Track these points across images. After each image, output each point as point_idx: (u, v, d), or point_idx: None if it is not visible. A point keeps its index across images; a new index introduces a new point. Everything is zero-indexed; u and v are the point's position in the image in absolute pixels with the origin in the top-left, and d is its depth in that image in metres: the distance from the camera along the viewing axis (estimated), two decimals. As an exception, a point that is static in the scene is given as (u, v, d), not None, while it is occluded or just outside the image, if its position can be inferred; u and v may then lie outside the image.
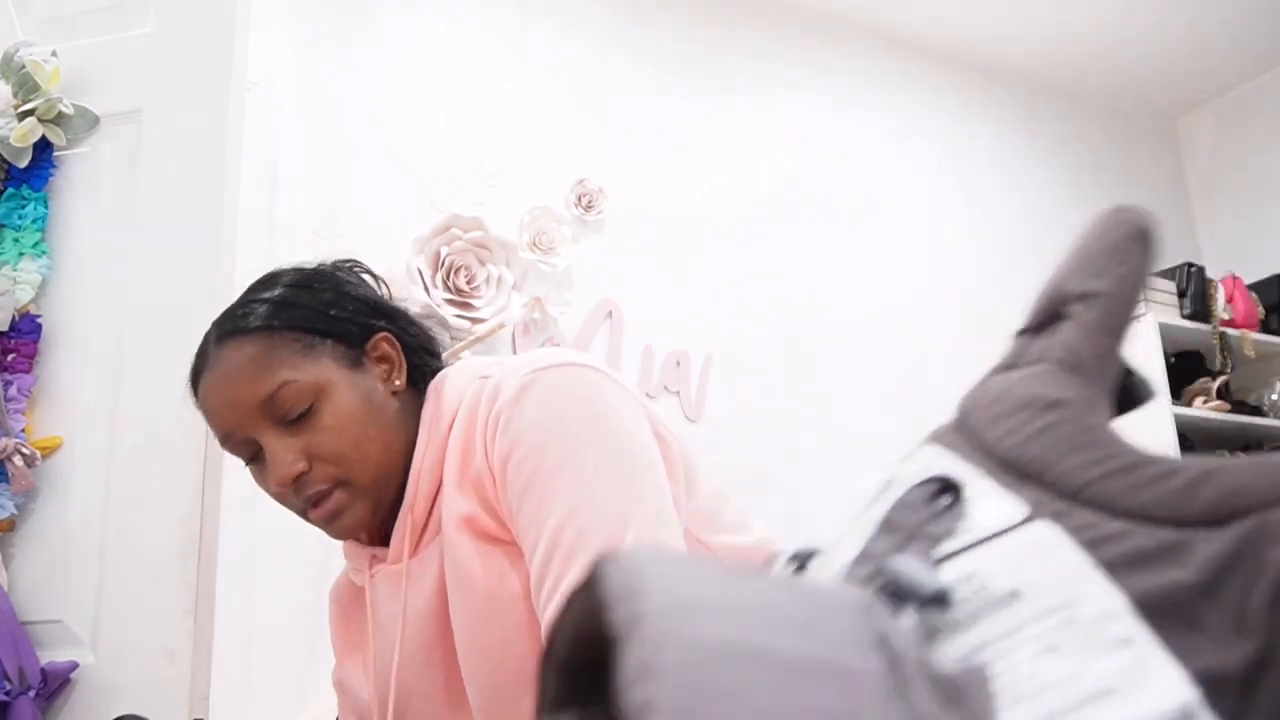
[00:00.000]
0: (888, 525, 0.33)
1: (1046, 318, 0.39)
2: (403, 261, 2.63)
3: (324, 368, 0.91)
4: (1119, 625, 0.27)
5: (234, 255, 1.89)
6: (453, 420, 0.91)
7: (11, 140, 1.83)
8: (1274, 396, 3.88)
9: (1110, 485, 0.30)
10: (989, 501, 0.32)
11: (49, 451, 1.76)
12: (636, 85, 3.29)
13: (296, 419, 0.89)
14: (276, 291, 0.94)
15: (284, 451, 0.89)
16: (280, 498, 0.94)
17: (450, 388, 0.94)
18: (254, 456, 0.93)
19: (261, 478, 0.94)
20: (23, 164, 1.86)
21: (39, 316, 1.82)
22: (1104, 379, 0.35)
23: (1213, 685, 0.25)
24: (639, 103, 3.27)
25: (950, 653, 0.28)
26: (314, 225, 2.65)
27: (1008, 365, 0.39)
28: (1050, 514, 0.30)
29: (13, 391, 1.76)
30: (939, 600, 0.29)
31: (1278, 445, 3.88)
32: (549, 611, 0.77)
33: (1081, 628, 0.27)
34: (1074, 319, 0.37)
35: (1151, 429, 3.44)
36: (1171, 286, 3.79)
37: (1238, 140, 4.33)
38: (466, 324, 2.61)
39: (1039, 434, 0.33)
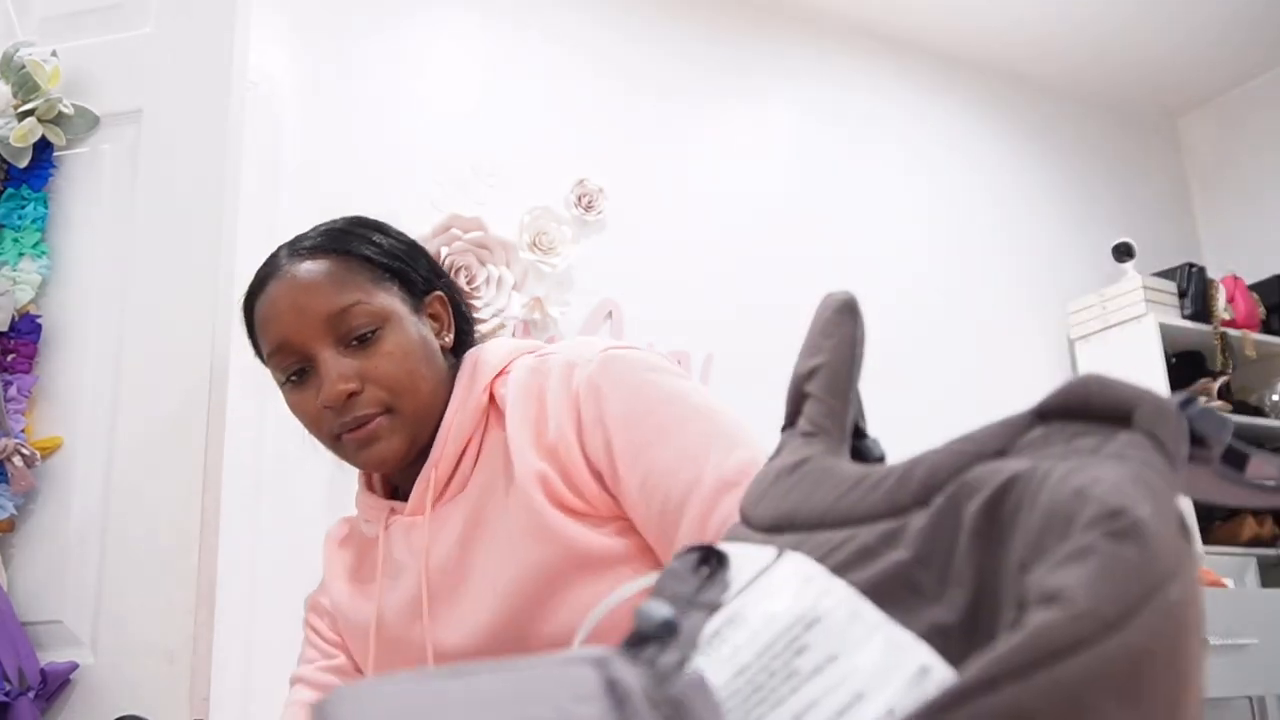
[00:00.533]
0: (660, 595, 0.36)
1: (793, 408, 0.43)
2: (403, 261, 2.63)
3: (391, 299, 0.95)
4: (853, 611, 0.30)
5: (234, 255, 1.89)
6: (489, 387, 0.94)
7: (11, 140, 1.83)
8: (1275, 397, 3.88)
9: (841, 504, 0.34)
10: (747, 559, 0.35)
11: (49, 452, 1.76)
12: (636, 86, 3.28)
13: (357, 340, 0.92)
14: (354, 227, 1.01)
15: (340, 369, 0.91)
16: (316, 419, 0.95)
17: (489, 356, 0.97)
18: (298, 374, 0.95)
19: (298, 397, 0.96)
20: (22, 164, 1.85)
21: (39, 316, 1.81)
22: (838, 432, 0.40)
23: (941, 637, 0.28)
24: (639, 103, 3.27)
25: (696, 674, 0.31)
26: (315, 225, 2.65)
27: (772, 456, 0.43)
28: (793, 545, 0.34)
29: (12, 392, 1.76)
30: (669, 629, 0.32)
31: (1278, 445, 3.88)
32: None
33: (825, 625, 0.30)
34: (809, 395, 0.42)
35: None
36: (1172, 287, 3.79)
37: (1238, 140, 4.33)
38: (467, 324, 2.61)
39: (790, 490, 0.38)
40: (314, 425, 0.95)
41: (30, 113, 1.85)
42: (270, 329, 0.95)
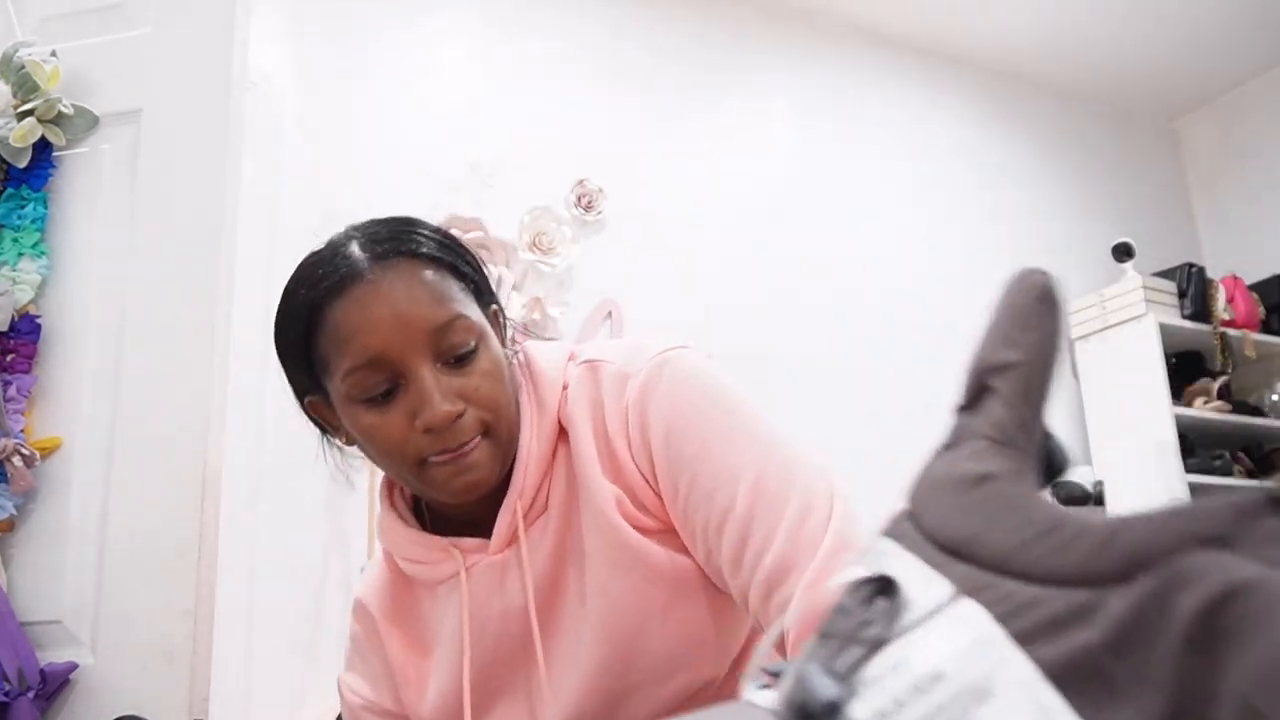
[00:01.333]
0: (825, 635, 0.33)
1: (975, 393, 0.40)
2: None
3: (479, 315, 0.87)
4: (1033, 696, 0.27)
5: (234, 255, 1.89)
6: (559, 409, 0.89)
7: (11, 140, 1.83)
8: (1274, 397, 3.88)
9: (1029, 553, 0.31)
10: (920, 588, 0.33)
11: (49, 451, 1.76)
12: (636, 86, 3.28)
13: (455, 359, 0.84)
14: (434, 232, 0.91)
15: (443, 390, 0.83)
16: (402, 443, 0.84)
17: (547, 372, 0.91)
18: (387, 392, 0.84)
19: (381, 419, 0.84)
20: (22, 164, 1.85)
21: (38, 317, 1.81)
22: (1029, 447, 0.36)
23: None
24: (639, 103, 3.27)
25: None
26: (314, 225, 2.65)
27: (948, 445, 0.39)
28: (972, 590, 0.31)
29: (12, 392, 1.76)
30: (831, 711, 0.30)
31: (1278, 446, 3.88)
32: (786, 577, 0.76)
33: (999, 704, 0.27)
34: (997, 392, 0.38)
35: (1153, 430, 3.44)
36: (1172, 287, 3.79)
37: (1237, 140, 4.33)
38: (466, 324, 2.61)
39: (968, 511, 0.34)
40: (398, 448, 0.84)
41: (30, 113, 1.85)
42: (359, 340, 0.82)
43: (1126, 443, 3.27)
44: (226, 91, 1.89)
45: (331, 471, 2.61)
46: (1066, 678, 0.27)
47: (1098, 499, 3.47)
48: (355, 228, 0.92)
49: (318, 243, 0.95)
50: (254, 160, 2.40)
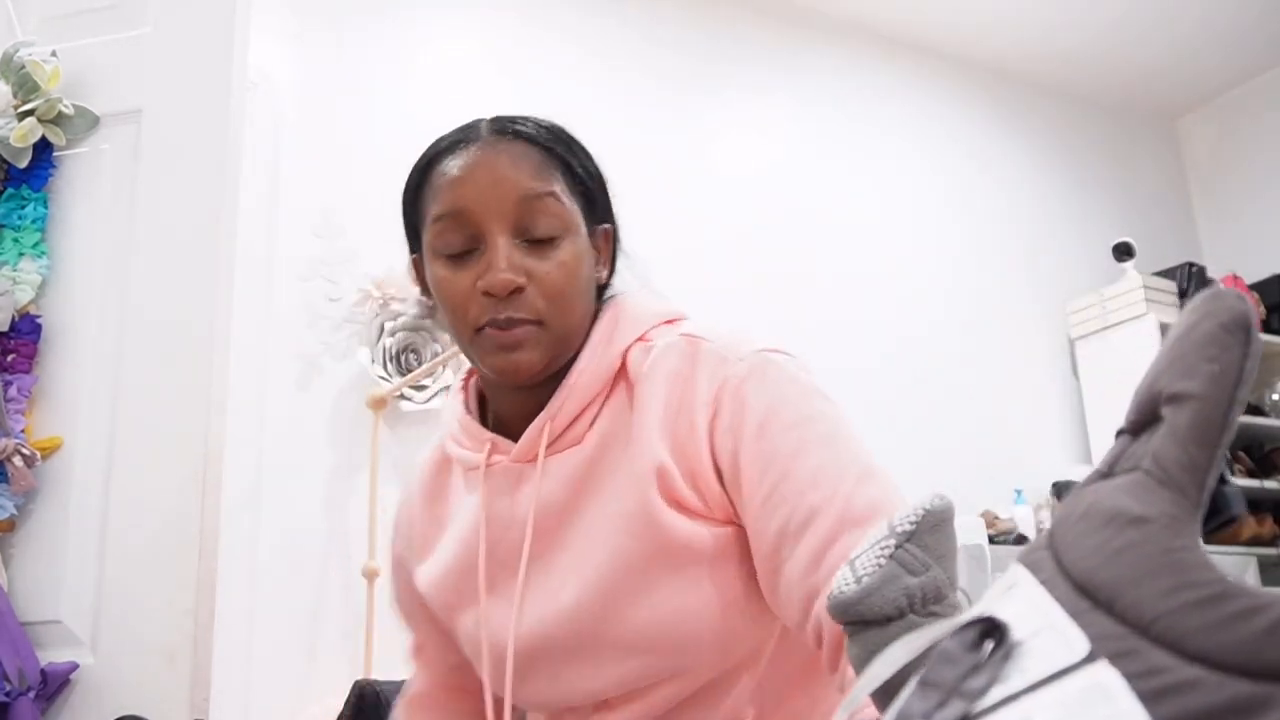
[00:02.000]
0: (925, 683, 0.30)
1: (1144, 418, 0.35)
2: (403, 261, 2.62)
3: (575, 215, 0.90)
4: None
5: (234, 255, 1.89)
6: (625, 352, 0.90)
7: (11, 140, 1.83)
8: (1275, 396, 3.88)
9: (1184, 621, 0.26)
10: (1049, 638, 0.29)
11: (49, 452, 1.76)
12: (637, 85, 3.29)
13: (536, 240, 0.87)
14: (565, 132, 0.94)
15: (512, 261, 0.85)
16: (465, 303, 0.87)
17: (632, 313, 0.93)
18: (465, 252, 0.87)
19: (452, 274, 0.88)
20: (22, 164, 1.85)
21: (39, 317, 1.81)
22: (1195, 493, 0.31)
23: None
24: (639, 103, 3.27)
25: None
26: (314, 224, 2.65)
27: (1104, 472, 0.35)
28: (1112, 653, 0.27)
29: (13, 392, 1.76)
30: None
31: (1278, 445, 3.88)
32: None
33: None
34: (1166, 424, 0.33)
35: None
36: (1172, 286, 3.79)
37: (1237, 140, 4.33)
38: (467, 324, 2.61)
39: (1116, 555, 0.30)
40: (460, 308, 0.87)
41: (30, 113, 1.85)
42: (453, 192, 0.88)
43: (1127, 442, 3.26)
44: (227, 91, 1.89)
45: (330, 468, 2.60)
46: None
47: (1098, 499, 3.46)
48: (510, 114, 0.95)
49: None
50: (254, 160, 2.40)
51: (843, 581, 0.66)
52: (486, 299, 0.85)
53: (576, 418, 0.89)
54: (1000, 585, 0.33)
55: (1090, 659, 0.27)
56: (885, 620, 0.63)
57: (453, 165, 0.89)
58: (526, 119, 0.93)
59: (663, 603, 0.84)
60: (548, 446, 0.89)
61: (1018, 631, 0.30)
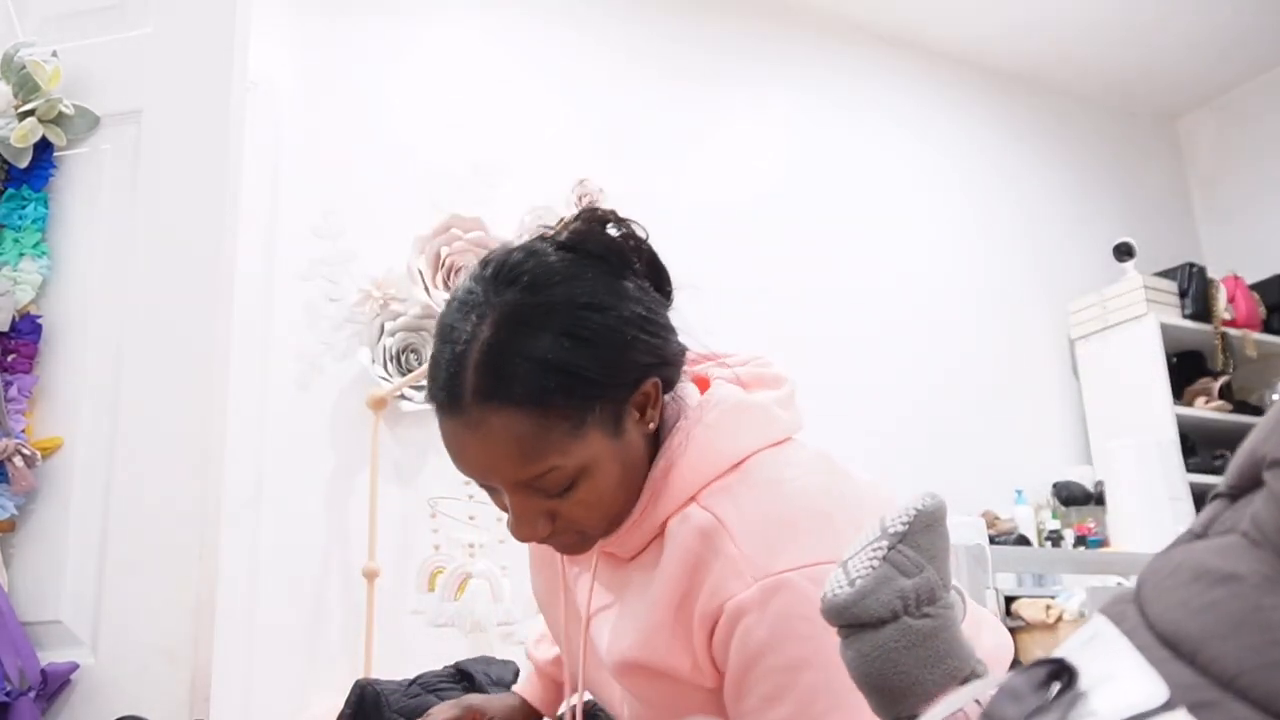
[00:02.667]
0: (989, 717, 0.30)
1: (1244, 482, 0.34)
2: (403, 262, 2.63)
3: (591, 444, 0.82)
4: None
5: (234, 255, 1.89)
6: (667, 519, 0.87)
7: (12, 140, 1.83)
8: (1275, 396, 3.87)
9: (1271, 678, 0.26)
10: (1126, 683, 0.28)
11: (49, 452, 1.76)
12: (637, 85, 3.28)
13: (555, 494, 0.84)
14: (554, 351, 0.81)
15: (531, 514, 0.85)
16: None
17: (676, 486, 0.87)
18: (497, 490, 0.87)
19: (494, 499, 0.88)
20: (23, 164, 1.86)
21: (39, 317, 1.81)
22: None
23: None
24: (640, 103, 3.27)
25: None
26: (314, 225, 2.65)
27: (1197, 533, 0.34)
28: (1193, 702, 0.26)
29: (13, 392, 1.76)
30: None
31: (1279, 445, 3.87)
32: None
33: None
34: (1267, 488, 0.32)
35: (1154, 430, 3.44)
36: (1173, 286, 3.79)
37: (1238, 140, 4.33)
38: (467, 324, 2.61)
39: (1204, 610, 0.29)
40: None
41: (31, 113, 1.85)
42: (453, 459, 0.84)
43: (1127, 442, 3.26)
44: (227, 91, 1.89)
45: (331, 468, 2.60)
46: None
47: (1098, 499, 3.47)
48: (480, 310, 0.83)
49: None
50: (254, 160, 2.40)
51: (836, 584, 0.66)
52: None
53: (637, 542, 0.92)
54: (1081, 634, 0.33)
55: (1168, 706, 0.27)
56: (879, 623, 0.63)
57: (448, 439, 0.84)
58: (508, 359, 0.81)
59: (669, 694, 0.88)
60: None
61: (1090, 676, 0.30)
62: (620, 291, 0.86)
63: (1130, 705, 0.28)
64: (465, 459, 0.83)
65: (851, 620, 0.64)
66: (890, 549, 0.65)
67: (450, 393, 0.82)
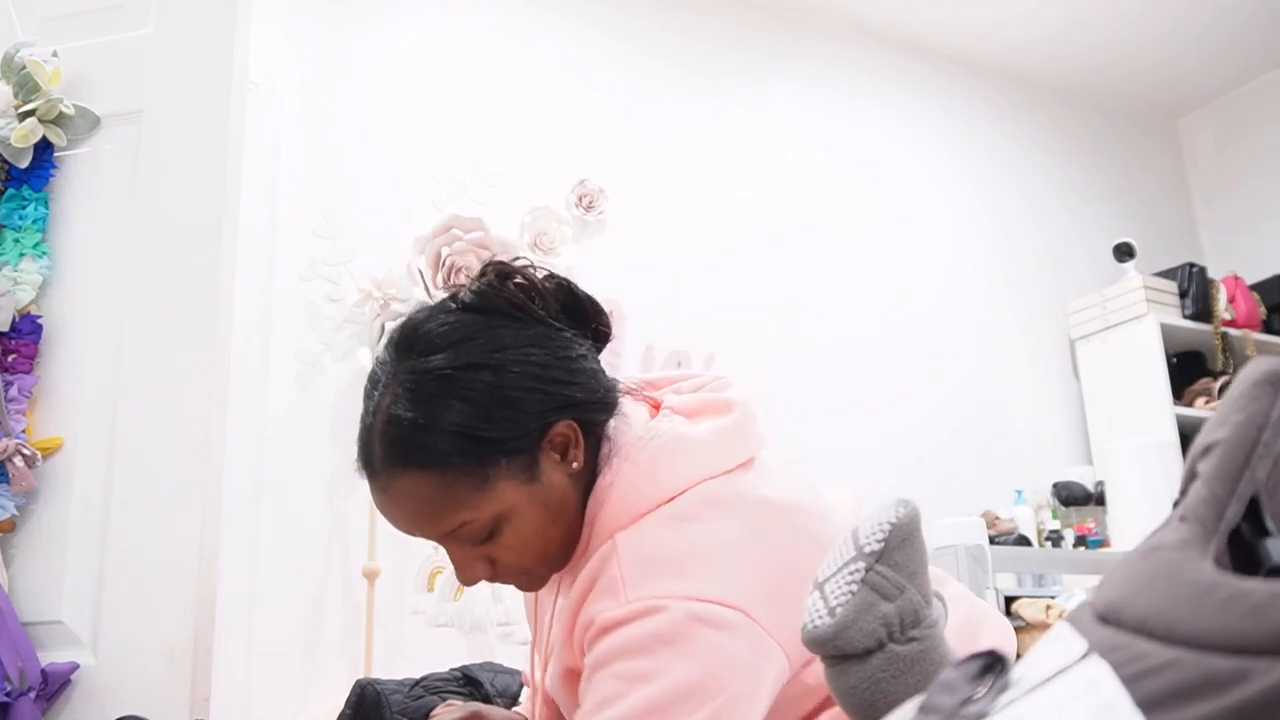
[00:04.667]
0: (924, 709, 0.32)
1: (1186, 481, 0.38)
2: (403, 262, 2.63)
3: (501, 494, 0.86)
4: None
5: (234, 255, 1.89)
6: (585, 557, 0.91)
7: (12, 141, 1.83)
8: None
9: (1173, 612, 0.28)
10: (1054, 647, 0.31)
11: (49, 452, 1.76)
12: (637, 86, 3.28)
13: (479, 542, 0.88)
14: (446, 416, 0.85)
15: (468, 562, 0.90)
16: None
17: (617, 505, 0.89)
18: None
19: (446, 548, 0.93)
20: (23, 164, 1.86)
21: (39, 317, 1.81)
22: (1212, 522, 0.33)
23: None
24: (640, 103, 3.27)
25: None
26: (314, 225, 2.65)
27: (1149, 533, 0.37)
28: (1104, 649, 0.29)
29: (13, 392, 1.76)
30: None
31: (1279, 445, 3.87)
32: None
33: None
34: (1197, 475, 0.36)
35: (1154, 430, 3.44)
36: (1173, 286, 3.79)
37: (1238, 140, 4.33)
38: (467, 324, 2.61)
39: (1129, 579, 0.32)
40: None
41: (31, 113, 1.85)
42: (391, 523, 0.91)
43: (1127, 443, 3.26)
44: (227, 92, 1.89)
45: (331, 468, 2.60)
46: None
47: (1098, 499, 3.47)
48: (385, 380, 0.89)
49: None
50: (254, 160, 2.40)
51: (815, 613, 0.63)
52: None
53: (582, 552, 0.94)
54: (1045, 637, 0.35)
55: (1084, 658, 0.29)
56: (865, 653, 0.61)
57: (374, 495, 0.90)
58: (409, 427, 0.85)
59: None
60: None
61: (1032, 661, 0.31)
62: (519, 343, 0.88)
63: (1052, 667, 0.30)
64: (389, 518, 0.89)
65: (835, 652, 0.62)
66: (868, 570, 0.63)
67: (365, 461, 0.89)
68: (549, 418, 0.88)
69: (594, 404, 0.91)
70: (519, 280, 0.92)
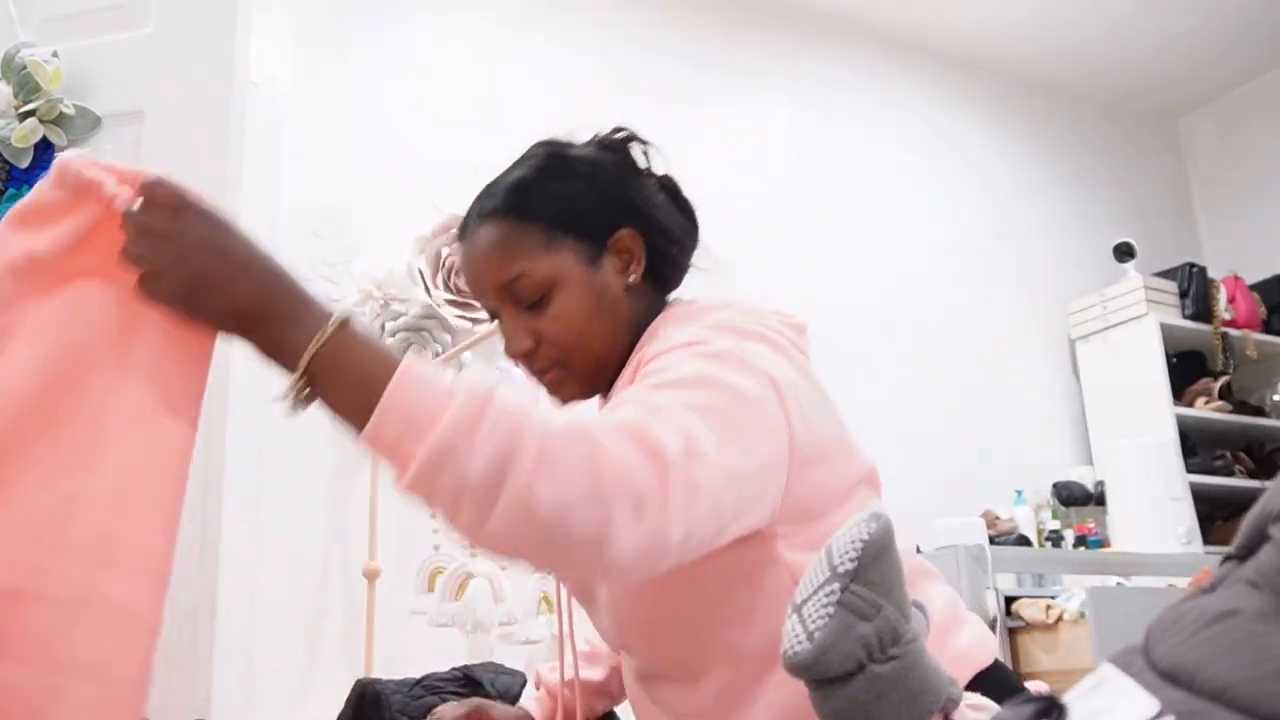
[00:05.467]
0: None
1: (1252, 542, 0.37)
2: (404, 262, 2.63)
3: (561, 261, 0.97)
4: None
5: (235, 255, 1.89)
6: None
7: (13, 141, 1.83)
8: (1275, 397, 3.88)
9: (1257, 688, 0.27)
10: (1115, 700, 0.31)
11: (50, 452, 1.76)
12: (636, 87, 3.29)
13: (531, 304, 0.96)
14: (530, 174, 1.01)
15: (516, 329, 0.97)
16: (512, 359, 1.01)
17: (659, 335, 0.95)
18: (494, 315, 1.01)
19: (499, 335, 1.02)
20: (24, 165, 1.86)
21: (40, 317, 1.81)
22: None
23: None
24: (638, 104, 3.27)
25: None
26: (314, 225, 2.65)
27: (1206, 590, 0.37)
28: (1180, 711, 0.28)
29: (14, 392, 1.76)
30: None
31: (1279, 445, 3.87)
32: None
33: None
34: (1272, 540, 0.34)
35: (1154, 430, 3.44)
36: (1173, 286, 3.79)
37: (1238, 140, 4.33)
38: (468, 324, 2.61)
39: (1202, 643, 0.31)
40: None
41: (31, 113, 1.85)
42: (465, 282, 1.03)
43: (1127, 443, 3.26)
44: (228, 92, 1.90)
45: (331, 468, 2.59)
46: None
47: (1098, 499, 3.47)
48: (497, 176, 1.05)
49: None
50: (254, 160, 2.40)
51: (795, 638, 0.63)
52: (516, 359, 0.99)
53: None
54: (1087, 682, 0.34)
55: (1158, 716, 0.29)
56: (846, 676, 0.61)
57: (458, 258, 1.04)
58: (507, 182, 1.01)
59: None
60: None
61: (1089, 710, 0.31)
62: (625, 168, 1.05)
63: (1126, 715, 0.29)
64: (468, 274, 1.01)
65: (818, 676, 0.62)
66: (843, 591, 0.62)
67: (463, 225, 1.03)
68: (621, 220, 1.00)
69: (664, 236, 1.06)
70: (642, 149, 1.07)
